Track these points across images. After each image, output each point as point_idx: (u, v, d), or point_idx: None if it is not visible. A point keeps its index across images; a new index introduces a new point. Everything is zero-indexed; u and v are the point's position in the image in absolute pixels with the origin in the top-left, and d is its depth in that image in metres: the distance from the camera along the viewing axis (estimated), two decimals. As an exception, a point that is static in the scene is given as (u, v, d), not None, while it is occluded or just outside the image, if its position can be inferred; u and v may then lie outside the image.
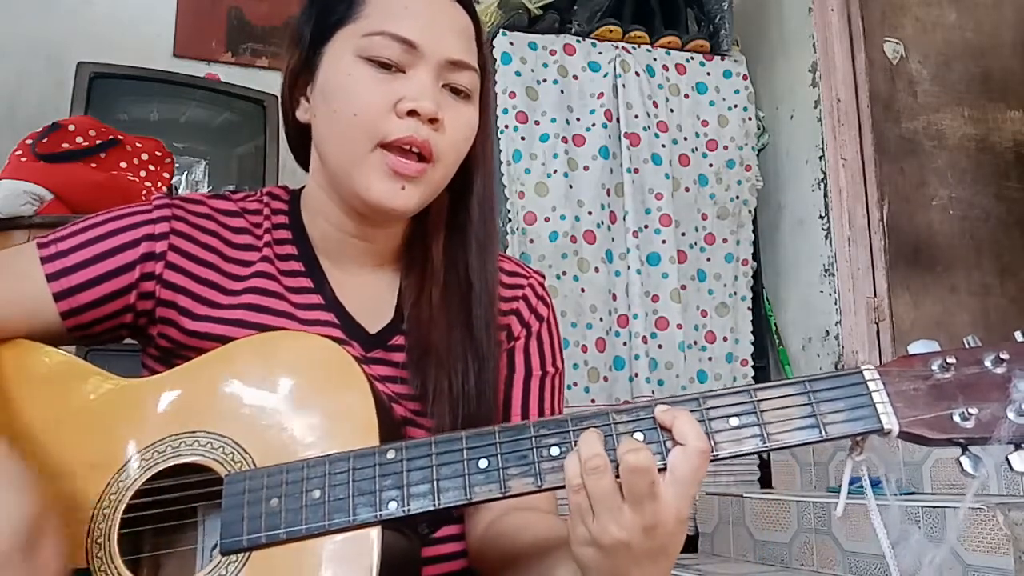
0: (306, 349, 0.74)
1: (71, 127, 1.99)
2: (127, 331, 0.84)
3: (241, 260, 0.85)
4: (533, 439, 0.65)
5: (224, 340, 0.78)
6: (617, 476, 0.61)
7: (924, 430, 0.64)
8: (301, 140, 0.91)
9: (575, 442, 0.63)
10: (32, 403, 0.74)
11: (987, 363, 0.65)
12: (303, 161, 0.93)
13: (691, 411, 0.64)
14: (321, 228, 0.88)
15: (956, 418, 0.63)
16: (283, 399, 0.71)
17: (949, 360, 0.65)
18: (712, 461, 0.63)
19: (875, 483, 0.71)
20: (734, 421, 0.64)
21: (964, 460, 0.64)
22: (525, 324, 0.93)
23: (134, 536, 0.72)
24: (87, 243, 0.80)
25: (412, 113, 0.78)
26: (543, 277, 0.98)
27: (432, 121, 0.79)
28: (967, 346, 0.67)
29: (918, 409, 0.64)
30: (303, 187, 0.93)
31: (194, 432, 0.71)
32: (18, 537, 0.61)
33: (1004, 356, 0.65)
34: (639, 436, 0.64)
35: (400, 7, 0.81)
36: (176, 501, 0.71)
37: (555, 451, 0.64)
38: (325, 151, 0.84)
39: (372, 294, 0.89)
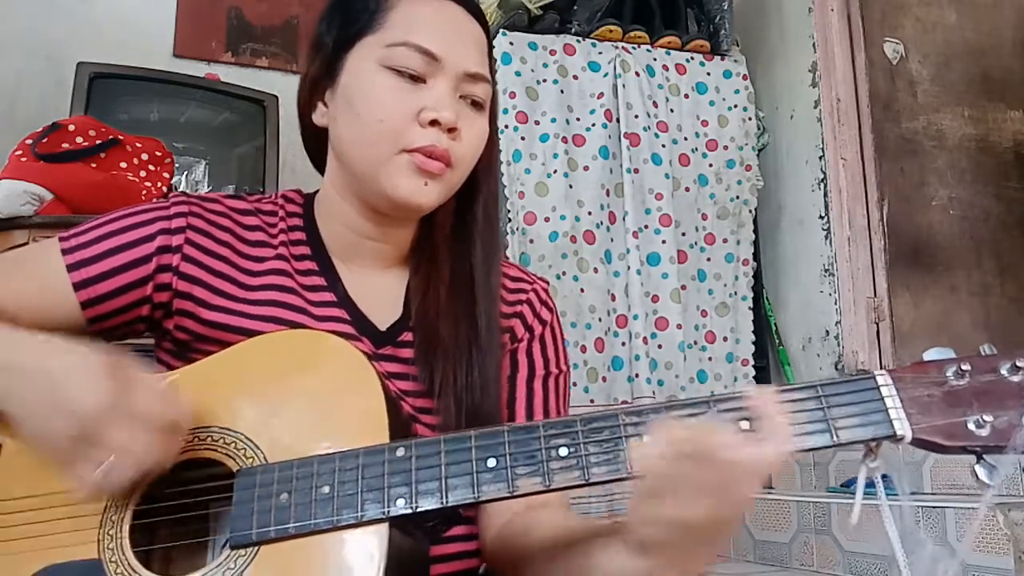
0: (319, 348, 0.75)
1: (71, 127, 1.99)
2: (144, 324, 0.86)
3: (255, 256, 0.88)
4: (542, 439, 0.65)
5: (241, 331, 0.81)
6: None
7: (938, 437, 0.63)
8: (317, 144, 0.94)
9: (584, 443, 0.64)
10: None
11: (1003, 371, 0.64)
12: (318, 164, 0.96)
13: (700, 414, 0.64)
14: (335, 229, 0.91)
15: (971, 425, 0.63)
16: (296, 396, 0.72)
17: (964, 367, 0.64)
18: None
19: (884, 483, 0.70)
20: (745, 425, 0.64)
21: (979, 468, 0.63)
22: (528, 327, 0.96)
23: (146, 529, 0.72)
24: (105, 236, 0.83)
25: (434, 122, 0.82)
26: (547, 283, 1.01)
27: (451, 130, 0.83)
28: (983, 354, 0.66)
29: (932, 416, 0.63)
30: (316, 191, 0.96)
31: (208, 427, 0.72)
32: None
33: (1020, 364, 0.64)
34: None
35: (422, 19, 0.85)
36: (188, 495, 0.72)
37: (563, 451, 0.65)
38: (347, 154, 0.87)
39: (382, 292, 0.92)
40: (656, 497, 0.62)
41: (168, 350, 0.87)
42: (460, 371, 0.85)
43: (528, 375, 0.94)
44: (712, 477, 0.60)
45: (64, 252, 0.82)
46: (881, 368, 2.41)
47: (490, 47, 0.91)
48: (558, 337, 0.98)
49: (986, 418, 0.63)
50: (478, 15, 0.90)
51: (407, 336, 0.89)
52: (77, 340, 0.72)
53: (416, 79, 0.83)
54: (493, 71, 0.91)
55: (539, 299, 0.98)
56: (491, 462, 0.65)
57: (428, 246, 0.92)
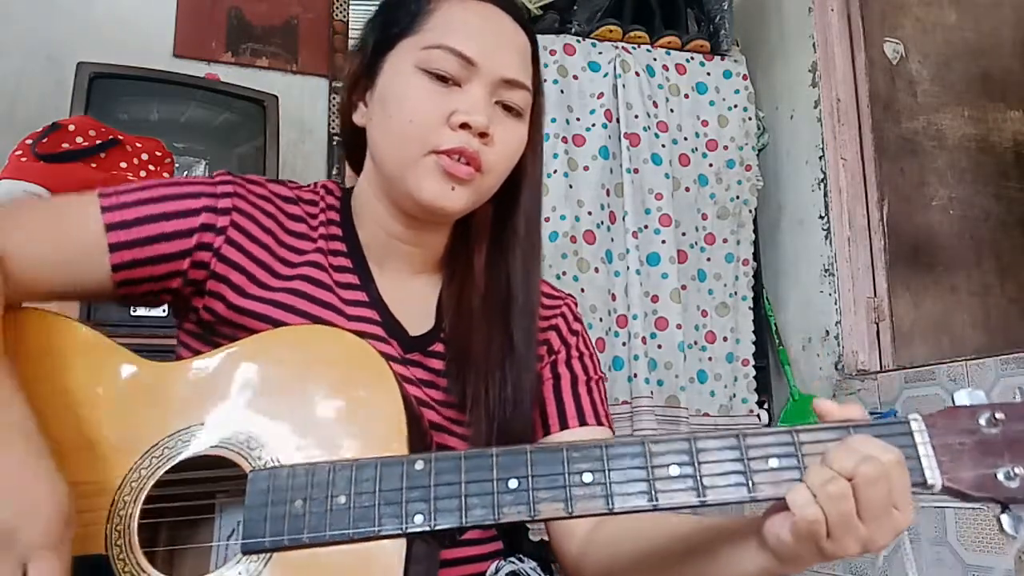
0: (340, 348, 0.73)
1: (71, 127, 1.98)
2: (170, 296, 0.84)
3: (294, 247, 0.87)
4: (565, 463, 0.64)
5: (268, 320, 0.80)
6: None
7: (967, 488, 0.63)
8: (356, 143, 0.93)
9: (608, 470, 0.63)
10: (63, 378, 0.72)
11: None
12: (356, 164, 0.95)
13: (729, 448, 0.63)
14: (369, 229, 0.91)
15: (1000, 476, 0.62)
16: (312, 397, 0.71)
17: (997, 415, 0.64)
18: (752, 502, 0.63)
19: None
20: (774, 463, 0.63)
21: (1004, 518, 0.63)
22: (564, 340, 0.96)
23: (151, 525, 0.71)
24: (149, 201, 0.81)
25: (464, 126, 0.81)
26: (575, 299, 1.02)
27: (482, 135, 0.82)
28: (1016, 401, 0.65)
29: (963, 465, 0.63)
30: (352, 187, 0.95)
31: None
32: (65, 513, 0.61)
33: None
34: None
35: (461, 23, 0.84)
36: (196, 493, 0.71)
37: (587, 477, 0.63)
38: (380, 153, 0.86)
39: (415, 299, 0.91)
40: (813, 538, 0.61)
41: (191, 331, 0.85)
42: (492, 386, 0.84)
43: (572, 381, 0.94)
44: (868, 515, 0.60)
45: (104, 209, 0.78)
46: (881, 368, 2.39)
47: (535, 54, 0.89)
48: (591, 346, 0.99)
49: (1017, 470, 0.62)
50: (523, 22, 0.88)
51: (438, 347, 0.88)
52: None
53: (451, 82, 0.82)
54: (538, 80, 0.89)
55: (572, 314, 0.99)
56: (512, 483, 0.63)
57: (463, 254, 0.92)
